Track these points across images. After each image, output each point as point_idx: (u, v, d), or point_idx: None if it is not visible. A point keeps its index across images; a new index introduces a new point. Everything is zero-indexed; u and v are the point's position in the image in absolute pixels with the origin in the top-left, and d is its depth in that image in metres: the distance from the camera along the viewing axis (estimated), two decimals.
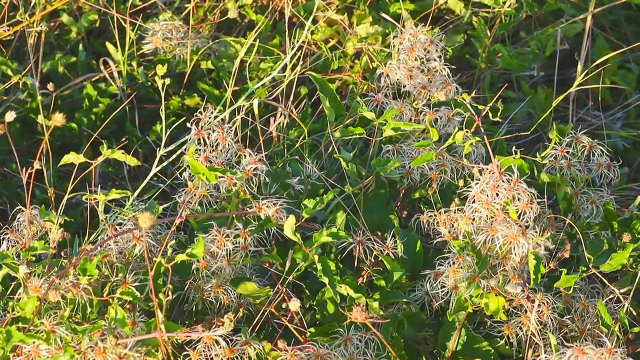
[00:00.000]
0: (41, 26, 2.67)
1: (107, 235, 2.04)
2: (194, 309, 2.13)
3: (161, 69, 2.18)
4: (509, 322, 2.13)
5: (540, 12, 2.88)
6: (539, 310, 2.05)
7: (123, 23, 2.69)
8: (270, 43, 2.76)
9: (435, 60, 2.40)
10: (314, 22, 2.81)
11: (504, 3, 2.77)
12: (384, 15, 2.70)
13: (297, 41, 2.33)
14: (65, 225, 2.14)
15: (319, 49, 2.78)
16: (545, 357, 2.00)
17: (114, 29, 2.70)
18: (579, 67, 2.55)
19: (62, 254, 2.08)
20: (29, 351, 1.84)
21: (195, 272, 2.09)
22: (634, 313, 2.14)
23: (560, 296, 2.14)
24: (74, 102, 2.74)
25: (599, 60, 2.48)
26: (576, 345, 1.96)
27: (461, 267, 2.07)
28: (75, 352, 1.78)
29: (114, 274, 2.01)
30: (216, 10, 2.85)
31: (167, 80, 2.19)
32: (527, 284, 2.03)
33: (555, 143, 2.25)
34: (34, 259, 2.03)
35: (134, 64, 2.73)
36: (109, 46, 2.72)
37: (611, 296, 2.15)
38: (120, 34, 2.70)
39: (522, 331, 2.11)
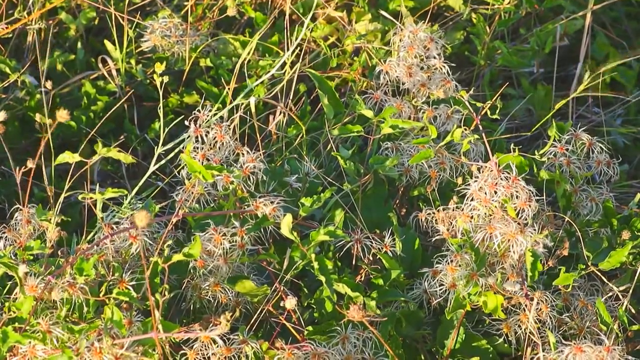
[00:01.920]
0: (40, 24, 2.67)
1: (104, 234, 2.03)
2: (191, 308, 2.13)
3: (160, 67, 2.17)
4: (508, 320, 2.12)
5: (539, 9, 2.87)
6: (537, 308, 2.05)
7: (121, 21, 2.68)
8: (269, 40, 2.75)
9: (435, 57, 2.39)
10: (313, 19, 2.80)
11: (504, 0, 2.76)
12: (383, 12, 2.70)
13: (296, 39, 2.32)
14: (64, 224, 2.14)
15: (318, 46, 2.77)
16: (544, 355, 1.99)
17: (113, 26, 2.69)
18: (579, 67, 2.55)
19: (59, 253, 2.07)
20: (26, 351, 1.84)
21: (192, 270, 2.08)
22: (633, 311, 2.13)
23: (559, 294, 2.13)
24: (72, 100, 2.73)
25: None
26: (575, 343, 1.95)
27: (459, 265, 2.06)
28: (73, 354, 1.77)
29: (111, 273, 2.00)
30: (215, 7, 2.84)
31: (166, 78, 2.19)
32: (525, 282, 2.03)
33: (554, 140, 2.24)
34: (31, 258, 2.03)
35: (133, 61, 2.73)
36: (108, 44, 2.72)
37: (610, 294, 2.15)
38: (118, 32, 2.70)
39: (520, 329, 2.10)
